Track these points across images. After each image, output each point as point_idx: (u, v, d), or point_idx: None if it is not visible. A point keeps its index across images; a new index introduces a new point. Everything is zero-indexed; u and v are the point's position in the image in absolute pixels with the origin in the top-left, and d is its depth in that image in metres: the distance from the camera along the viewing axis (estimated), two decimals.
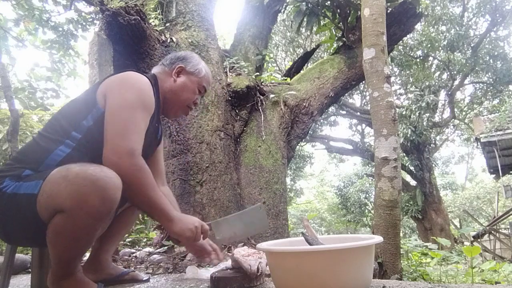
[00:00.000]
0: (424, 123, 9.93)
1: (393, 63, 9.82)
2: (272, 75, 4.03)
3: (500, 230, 9.86)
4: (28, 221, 1.12)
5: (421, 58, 10.57)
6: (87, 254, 1.61)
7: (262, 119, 3.16)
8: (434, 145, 12.95)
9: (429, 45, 9.53)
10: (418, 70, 10.43)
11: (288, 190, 11.33)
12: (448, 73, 10.85)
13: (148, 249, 2.61)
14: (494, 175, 11.43)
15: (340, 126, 41.72)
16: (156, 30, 2.95)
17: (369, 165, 14.55)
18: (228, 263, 1.59)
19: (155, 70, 1.53)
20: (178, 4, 3.18)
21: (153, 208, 1.19)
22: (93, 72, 2.51)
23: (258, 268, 1.42)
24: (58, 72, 6.39)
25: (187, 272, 1.77)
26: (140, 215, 2.59)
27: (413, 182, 11.97)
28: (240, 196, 2.91)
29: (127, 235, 3.80)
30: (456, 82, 11.31)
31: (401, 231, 3.62)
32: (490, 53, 9.83)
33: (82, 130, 1.22)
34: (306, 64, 5.09)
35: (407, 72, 10.53)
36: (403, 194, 10.51)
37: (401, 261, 2.62)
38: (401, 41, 6.92)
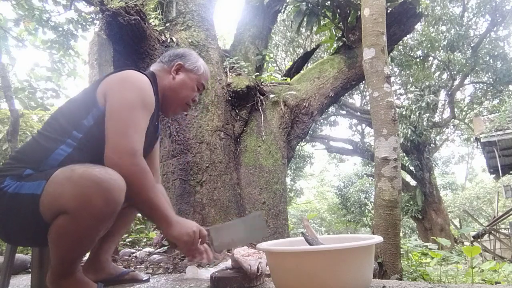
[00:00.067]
0: (424, 123, 9.93)
1: (393, 63, 9.82)
2: (272, 75, 4.03)
3: (500, 230, 9.86)
4: (29, 221, 1.11)
5: (421, 58, 10.57)
6: (87, 254, 1.61)
7: (262, 119, 3.16)
8: (434, 145, 12.95)
9: (429, 45, 9.53)
10: (418, 70, 10.43)
11: (288, 190, 11.33)
12: (448, 73, 10.85)
13: (148, 249, 2.61)
14: (494, 175, 11.43)
15: (340, 126, 41.75)
16: (156, 30, 2.95)
17: (369, 165, 14.55)
18: (228, 263, 1.59)
19: (153, 67, 1.52)
20: (178, 4, 3.18)
21: (152, 210, 1.19)
22: (93, 72, 2.50)
23: (258, 268, 1.42)
24: (58, 72, 6.39)
25: (187, 272, 1.77)
26: (140, 214, 2.58)
27: (413, 182, 11.97)
28: (240, 196, 2.91)
29: (127, 235, 3.80)
30: (456, 82, 11.31)
31: (401, 231, 3.62)
32: (490, 53, 9.83)
33: (83, 130, 1.22)
34: (306, 64, 5.09)
35: (407, 72, 10.53)
36: (403, 194, 10.51)
37: (401, 261, 2.62)
38: (401, 41, 6.92)
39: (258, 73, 3.57)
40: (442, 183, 17.32)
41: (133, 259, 2.37)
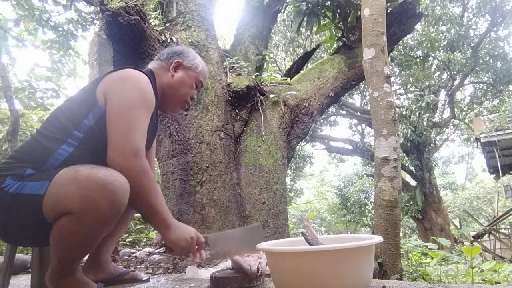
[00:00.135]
0: (424, 123, 9.93)
1: (393, 63, 9.82)
2: (272, 75, 4.03)
3: (500, 230, 9.86)
4: (31, 221, 1.11)
5: (421, 58, 10.57)
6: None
7: (262, 119, 3.16)
8: (434, 145, 12.95)
9: (429, 45, 9.53)
10: (418, 70, 10.43)
11: (288, 190, 11.33)
12: (448, 73, 10.85)
13: (148, 249, 2.61)
14: (494, 175, 11.43)
15: (340, 126, 41.76)
16: (156, 30, 2.95)
17: (369, 165, 14.54)
18: (228, 263, 1.59)
19: (151, 65, 1.52)
20: (178, 4, 3.18)
21: (152, 212, 1.19)
22: (93, 72, 2.50)
23: (258, 268, 1.42)
24: (58, 72, 6.39)
25: (187, 272, 1.77)
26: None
27: (413, 182, 11.97)
28: (240, 196, 2.91)
29: (127, 235, 3.80)
30: (456, 82, 11.31)
31: (401, 231, 3.63)
32: (490, 53, 9.82)
33: (84, 129, 1.21)
34: (306, 64, 5.08)
35: (407, 72, 10.53)
36: (403, 194, 10.51)
37: (401, 261, 2.62)
38: (401, 41, 6.92)
39: (258, 73, 3.57)
40: (442, 183, 17.32)
41: (133, 259, 2.37)
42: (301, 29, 4.55)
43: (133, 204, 1.15)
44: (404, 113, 9.83)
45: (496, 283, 2.85)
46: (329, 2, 3.92)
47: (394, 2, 3.85)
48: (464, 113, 12.91)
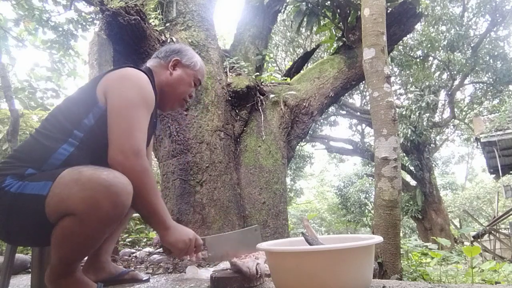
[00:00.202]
0: (424, 123, 9.93)
1: (393, 63, 9.82)
2: (272, 75, 4.03)
3: (500, 230, 9.86)
4: (32, 221, 1.10)
5: (421, 58, 10.57)
6: None
7: (262, 119, 3.16)
8: (434, 145, 12.95)
9: (429, 45, 9.53)
10: (418, 70, 10.43)
11: (288, 190, 11.33)
12: (448, 73, 10.85)
13: (148, 249, 2.61)
14: (494, 175, 11.43)
15: (340, 126, 41.78)
16: (156, 30, 2.95)
17: (369, 165, 14.55)
18: (227, 264, 1.59)
19: (149, 63, 1.52)
20: (178, 4, 3.18)
21: (151, 213, 1.19)
22: (93, 72, 2.50)
23: (257, 270, 1.42)
24: (58, 72, 6.39)
25: (187, 272, 1.77)
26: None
27: (413, 182, 11.97)
28: (240, 196, 2.91)
29: (127, 235, 3.80)
30: (456, 82, 11.31)
31: (401, 231, 3.63)
32: (490, 53, 9.83)
33: (84, 129, 1.21)
34: (306, 64, 5.08)
35: (407, 72, 10.53)
36: (403, 194, 10.51)
37: (401, 261, 2.62)
38: (401, 41, 6.91)
39: (258, 73, 3.57)
40: (442, 183, 17.33)
41: (133, 259, 2.37)
42: (301, 29, 4.55)
43: (133, 203, 1.15)
44: (404, 113, 9.84)
45: (496, 283, 2.85)
46: (329, 2, 3.92)
47: (394, 2, 3.85)
48: (464, 113, 12.91)
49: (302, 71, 4.07)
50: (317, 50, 6.86)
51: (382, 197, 2.51)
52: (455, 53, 10.09)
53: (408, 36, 8.18)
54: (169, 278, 1.78)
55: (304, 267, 1.08)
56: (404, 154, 11.33)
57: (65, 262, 1.14)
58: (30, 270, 1.62)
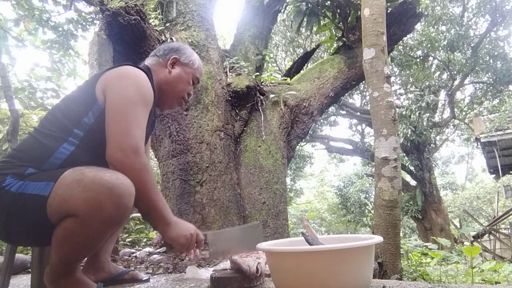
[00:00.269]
0: (424, 123, 9.93)
1: (393, 63, 9.82)
2: (272, 75, 4.03)
3: (500, 230, 9.86)
4: (33, 221, 1.10)
5: (421, 58, 10.57)
6: None
7: (262, 119, 3.16)
8: (434, 145, 12.95)
9: (429, 45, 9.53)
10: (418, 70, 10.43)
11: (288, 190, 11.33)
12: (448, 73, 10.85)
13: (148, 249, 2.61)
14: (494, 175, 11.43)
15: (340, 126, 41.77)
16: (156, 30, 2.95)
17: (369, 165, 14.54)
18: (228, 263, 1.59)
19: (148, 61, 1.51)
20: (178, 4, 3.19)
21: (152, 209, 1.18)
22: (93, 72, 2.50)
23: (257, 269, 1.41)
24: (58, 72, 6.39)
25: (187, 272, 1.77)
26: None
27: (413, 182, 11.97)
28: (240, 196, 2.91)
29: (127, 235, 3.80)
30: (456, 82, 11.31)
31: (401, 231, 3.63)
32: (490, 53, 9.82)
33: (84, 128, 1.20)
34: (306, 64, 5.08)
35: (407, 72, 10.53)
36: (403, 194, 10.51)
37: (401, 261, 2.62)
38: (401, 41, 6.92)
39: (258, 73, 3.57)
40: (442, 183, 17.33)
41: (133, 259, 2.37)
42: (301, 29, 4.55)
43: (134, 201, 1.15)
44: (404, 113, 9.84)
45: (496, 283, 2.85)
46: (329, 2, 3.92)
47: (394, 2, 3.85)
48: (464, 113, 12.91)
49: (302, 71, 4.07)
50: (317, 50, 6.86)
51: (382, 197, 2.51)
52: (455, 53, 10.10)
53: (408, 36, 8.18)
54: (169, 278, 1.78)
55: (304, 267, 1.08)
56: (404, 154, 11.33)
57: (65, 262, 1.13)
58: (30, 270, 1.62)
